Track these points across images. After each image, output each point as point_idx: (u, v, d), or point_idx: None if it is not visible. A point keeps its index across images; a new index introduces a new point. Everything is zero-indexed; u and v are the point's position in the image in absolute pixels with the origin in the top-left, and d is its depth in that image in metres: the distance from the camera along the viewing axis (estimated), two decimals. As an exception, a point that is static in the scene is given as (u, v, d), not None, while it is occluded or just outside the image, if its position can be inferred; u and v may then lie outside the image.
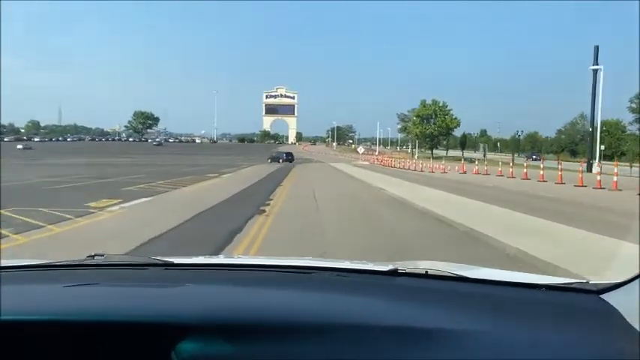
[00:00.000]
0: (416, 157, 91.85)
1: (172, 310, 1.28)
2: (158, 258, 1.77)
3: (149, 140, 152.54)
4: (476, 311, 1.28)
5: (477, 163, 40.32)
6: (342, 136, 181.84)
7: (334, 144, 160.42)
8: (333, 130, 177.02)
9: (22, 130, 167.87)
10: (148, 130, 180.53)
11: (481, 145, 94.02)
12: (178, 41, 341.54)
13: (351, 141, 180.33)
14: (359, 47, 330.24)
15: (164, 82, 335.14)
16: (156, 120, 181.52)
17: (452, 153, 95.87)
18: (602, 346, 1.11)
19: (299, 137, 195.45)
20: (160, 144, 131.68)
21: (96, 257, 1.83)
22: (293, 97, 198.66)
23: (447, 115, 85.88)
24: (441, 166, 41.85)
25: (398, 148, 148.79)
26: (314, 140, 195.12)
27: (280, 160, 54.88)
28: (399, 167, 49.96)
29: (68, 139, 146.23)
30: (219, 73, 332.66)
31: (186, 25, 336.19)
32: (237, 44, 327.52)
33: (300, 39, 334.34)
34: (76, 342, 1.18)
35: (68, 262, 1.81)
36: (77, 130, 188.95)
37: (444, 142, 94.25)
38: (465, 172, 36.73)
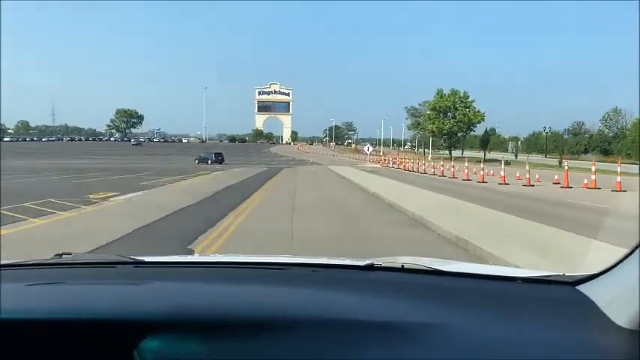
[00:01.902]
0: (429, 157, 79.19)
1: (137, 308, 1.24)
2: (128, 256, 1.71)
3: (132, 140, 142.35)
4: (451, 305, 1.27)
5: (502, 166, 26.64)
6: (340, 135, 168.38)
7: (332, 144, 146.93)
8: (331, 129, 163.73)
9: (10, 131, 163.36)
10: (132, 130, 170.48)
11: (510, 144, 79.87)
12: (172, 40, 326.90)
13: (350, 140, 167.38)
14: (359, 39, 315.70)
15: (160, 82, 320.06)
16: (140, 118, 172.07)
17: (467, 153, 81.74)
18: (578, 336, 1.13)
19: (294, 137, 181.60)
20: (138, 144, 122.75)
21: (63, 256, 1.75)
22: (288, 94, 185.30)
23: (468, 107, 71.86)
24: (479, 173, 27.76)
25: (402, 147, 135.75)
26: (311, 140, 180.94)
27: (209, 162, 49.32)
28: (418, 171, 37.50)
29: (43, 140, 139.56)
30: (218, 71, 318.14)
31: (179, 19, 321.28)
32: (229, 37, 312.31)
33: (295, 31, 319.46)
34: (37, 341, 1.16)
35: (34, 262, 1.73)
36: (68, 131, 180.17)
37: (464, 140, 79.65)
38: (501, 181, 24.50)
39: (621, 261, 1.20)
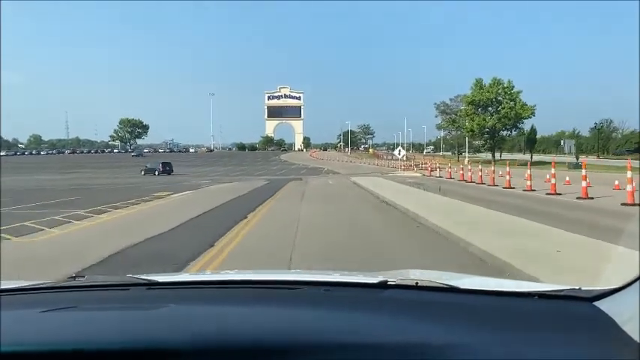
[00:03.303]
0: (466, 161, 66.66)
1: (152, 336, 1.22)
2: (140, 277, 1.71)
3: (133, 151, 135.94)
4: (468, 324, 1.25)
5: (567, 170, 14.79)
6: (354, 140, 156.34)
7: (347, 149, 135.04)
8: (345, 134, 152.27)
9: (21, 145, 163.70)
10: (137, 140, 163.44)
11: (566, 142, 66.28)
12: (181, 46, 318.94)
13: (366, 145, 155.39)
14: (373, 37, 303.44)
15: (172, 92, 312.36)
16: (145, 128, 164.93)
17: (505, 156, 68.83)
18: (597, 354, 1.10)
19: (307, 143, 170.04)
20: (139, 155, 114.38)
21: (77, 278, 1.77)
22: (299, 98, 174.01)
23: (514, 99, 59.15)
24: (582, 184, 15.84)
25: (424, 151, 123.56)
26: (324, 147, 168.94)
27: (156, 172, 46.54)
28: (482, 183, 25.51)
29: (42, 153, 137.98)
30: (229, 77, 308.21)
31: (185, 22, 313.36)
32: (238, 42, 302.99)
33: (304, 31, 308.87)
34: None
35: (48, 285, 1.73)
36: (80, 144, 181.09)
37: (506, 140, 66.14)
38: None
39: (639, 277, 1.18)
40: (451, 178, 30.93)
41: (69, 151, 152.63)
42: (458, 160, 63.78)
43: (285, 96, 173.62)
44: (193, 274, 2.15)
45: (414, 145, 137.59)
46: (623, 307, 1.18)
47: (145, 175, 46.23)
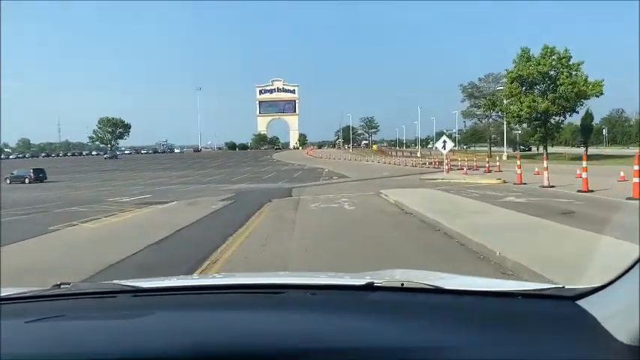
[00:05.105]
0: (504, 156, 52.89)
1: (141, 344, 1.22)
2: (126, 284, 1.71)
3: (106, 153, 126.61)
4: (453, 325, 1.26)
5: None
6: (353, 136, 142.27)
7: (349, 145, 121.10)
8: (344, 130, 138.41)
9: (8, 150, 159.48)
10: (119, 141, 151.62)
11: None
12: (177, 45, 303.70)
13: (367, 142, 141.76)
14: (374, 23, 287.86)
15: (168, 93, 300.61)
16: (127, 127, 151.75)
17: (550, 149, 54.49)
18: (579, 353, 1.12)
19: (302, 140, 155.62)
20: (113, 157, 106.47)
21: (62, 286, 1.72)
22: (293, 91, 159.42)
23: (576, 71, 44.72)
24: None
25: (435, 146, 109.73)
26: (320, 144, 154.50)
27: (26, 180, 40.09)
28: None
29: (11, 157, 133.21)
30: (219, 75, 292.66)
31: (171, 16, 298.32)
32: (227, 35, 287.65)
33: (299, 16, 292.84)
34: None
35: (32, 294, 1.70)
36: (70, 147, 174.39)
37: (560, 128, 50.60)
38: None
39: (622, 275, 1.18)
40: (550, 186, 16.85)
41: (43, 154, 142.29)
42: (490, 156, 49.98)
43: (279, 89, 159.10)
44: (179, 279, 2.10)
45: (411, 141, 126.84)
46: (605, 305, 1.19)
47: (10, 184, 39.67)
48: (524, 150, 55.51)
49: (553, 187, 16.81)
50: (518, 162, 19.65)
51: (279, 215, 12.81)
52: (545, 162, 17.89)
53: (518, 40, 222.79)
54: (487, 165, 30.52)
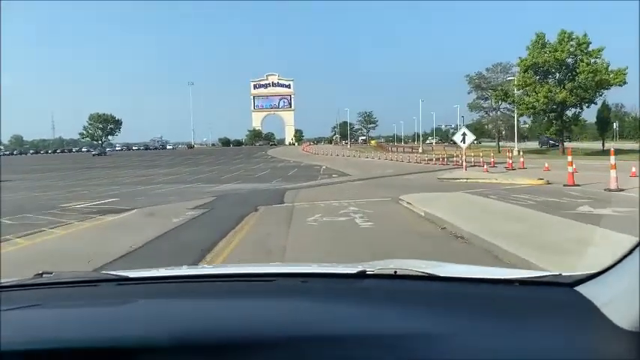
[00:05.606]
0: (515, 151, 48.78)
1: (118, 333, 1.18)
2: (112, 273, 1.66)
3: (94, 150, 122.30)
4: (448, 312, 1.24)
5: None
6: (351, 132, 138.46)
7: (346, 141, 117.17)
8: (341, 125, 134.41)
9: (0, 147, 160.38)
10: (110, 137, 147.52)
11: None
12: (170, 42, 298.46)
13: (364, 137, 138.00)
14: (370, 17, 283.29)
15: (163, 91, 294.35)
16: (117, 123, 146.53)
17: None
18: (578, 339, 1.11)
19: (298, 136, 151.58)
20: (101, 154, 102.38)
21: (44, 275, 1.68)
22: (288, 86, 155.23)
23: (596, 58, 41.06)
24: None
25: (433, 141, 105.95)
26: (316, 140, 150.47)
27: None
28: None
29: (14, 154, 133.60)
30: (213, 70, 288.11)
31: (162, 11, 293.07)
32: (221, 28, 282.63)
33: (293, 8, 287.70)
34: None
35: (13, 282, 1.66)
36: (64, 144, 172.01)
37: (579, 120, 46.48)
38: None
39: (620, 260, 1.17)
40: (619, 190, 13.09)
41: (32, 151, 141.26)
42: (499, 152, 46.34)
43: (274, 84, 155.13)
44: (167, 269, 1.91)
45: (409, 136, 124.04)
46: (604, 291, 1.17)
47: None
48: (554, 146, 51.13)
49: (622, 190, 13.00)
50: (570, 158, 15.74)
51: (262, 240, 8.73)
52: (612, 158, 13.94)
53: (519, 30, 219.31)
54: (509, 161, 26.66)
